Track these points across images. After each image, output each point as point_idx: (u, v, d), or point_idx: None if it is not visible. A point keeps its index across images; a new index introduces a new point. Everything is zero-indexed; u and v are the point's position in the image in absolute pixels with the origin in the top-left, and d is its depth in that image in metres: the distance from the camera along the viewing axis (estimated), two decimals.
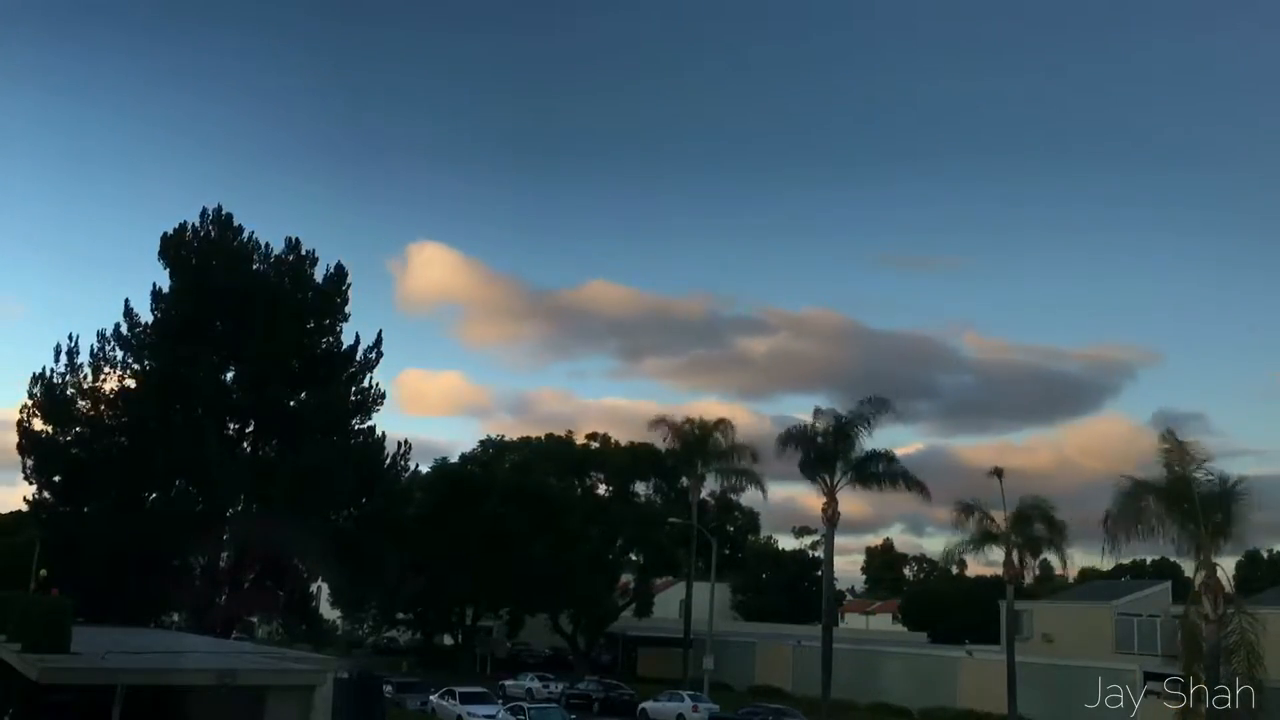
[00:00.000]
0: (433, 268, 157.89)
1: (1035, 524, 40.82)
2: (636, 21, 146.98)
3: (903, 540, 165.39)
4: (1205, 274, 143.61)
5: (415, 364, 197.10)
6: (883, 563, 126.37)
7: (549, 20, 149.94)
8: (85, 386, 43.74)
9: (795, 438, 48.14)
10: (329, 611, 69.32)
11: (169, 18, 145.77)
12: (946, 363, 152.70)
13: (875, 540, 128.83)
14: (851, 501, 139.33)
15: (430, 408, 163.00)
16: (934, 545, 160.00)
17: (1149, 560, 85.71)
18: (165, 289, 45.50)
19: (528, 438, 72.45)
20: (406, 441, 49.19)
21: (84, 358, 43.79)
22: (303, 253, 47.93)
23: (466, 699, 41.49)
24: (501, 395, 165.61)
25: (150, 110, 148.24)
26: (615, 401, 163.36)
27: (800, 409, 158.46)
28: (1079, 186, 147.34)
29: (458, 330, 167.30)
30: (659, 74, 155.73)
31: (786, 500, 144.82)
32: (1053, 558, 44.60)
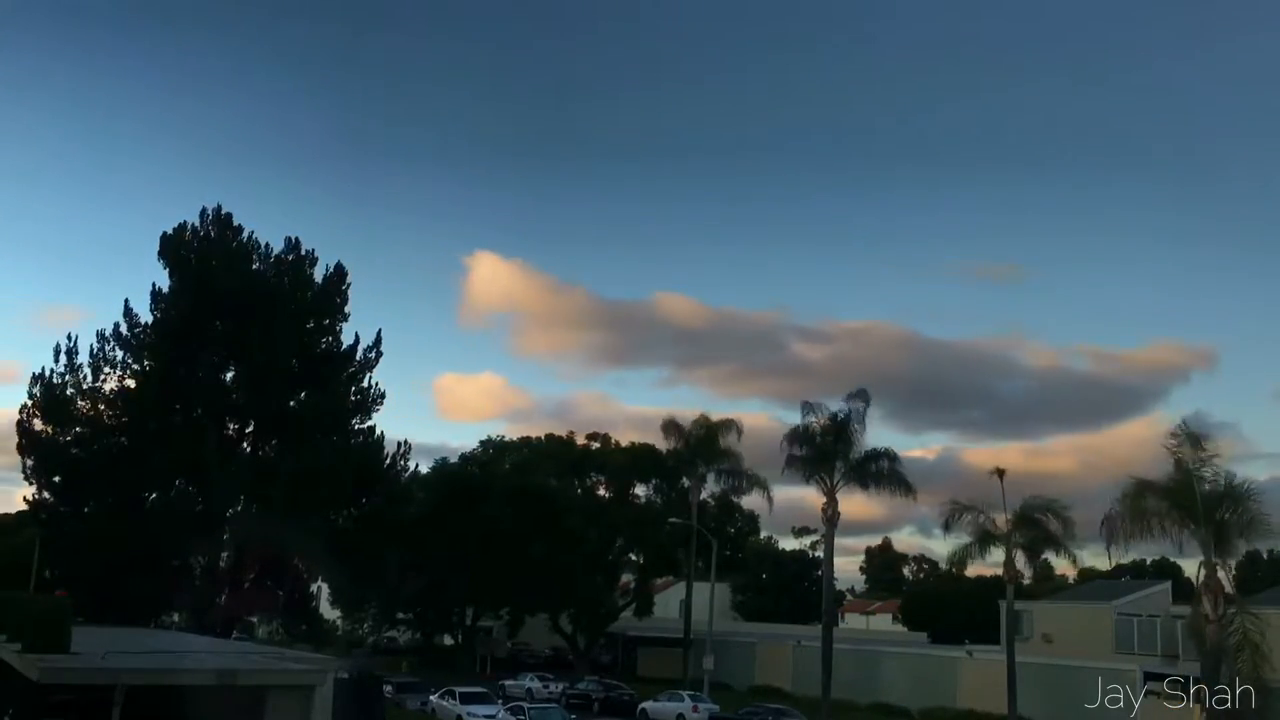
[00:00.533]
0: (496, 277, 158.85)
1: (1040, 524, 40.69)
2: (700, 25, 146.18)
3: (913, 543, 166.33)
4: (1264, 280, 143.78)
5: (482, 370, 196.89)
6: (882, 562, 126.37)
7: (607, 29, 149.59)
8: (85, 386, 43.75)
9: (796, 437, 48.05)
10: (329, 611, 69.36)
11: (184, 20, 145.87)
12: (1000, 369, 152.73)
13: (891, 541, 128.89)
14: (862, 503, 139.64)
15: (472, 413, 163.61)
16: (945, 548, 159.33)
17: (1149, 560, 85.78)
18: (165, 289, 45.52)
19: (528, 438, 72.50)
20: (406, 441, 49.37)
21: (84, 358, 43.89)
22: (302, 253, 47.93)
23: (466, 699, 41.43)
24: (551, 402, 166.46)
25: (162, 114, 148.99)
26: (660, 409, 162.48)
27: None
28: (1137, 192, 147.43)
29: (515, 339, 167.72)
30: (719, 82, 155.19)
31: (790, 500, 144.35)
32: (1058, 559, 44.52)
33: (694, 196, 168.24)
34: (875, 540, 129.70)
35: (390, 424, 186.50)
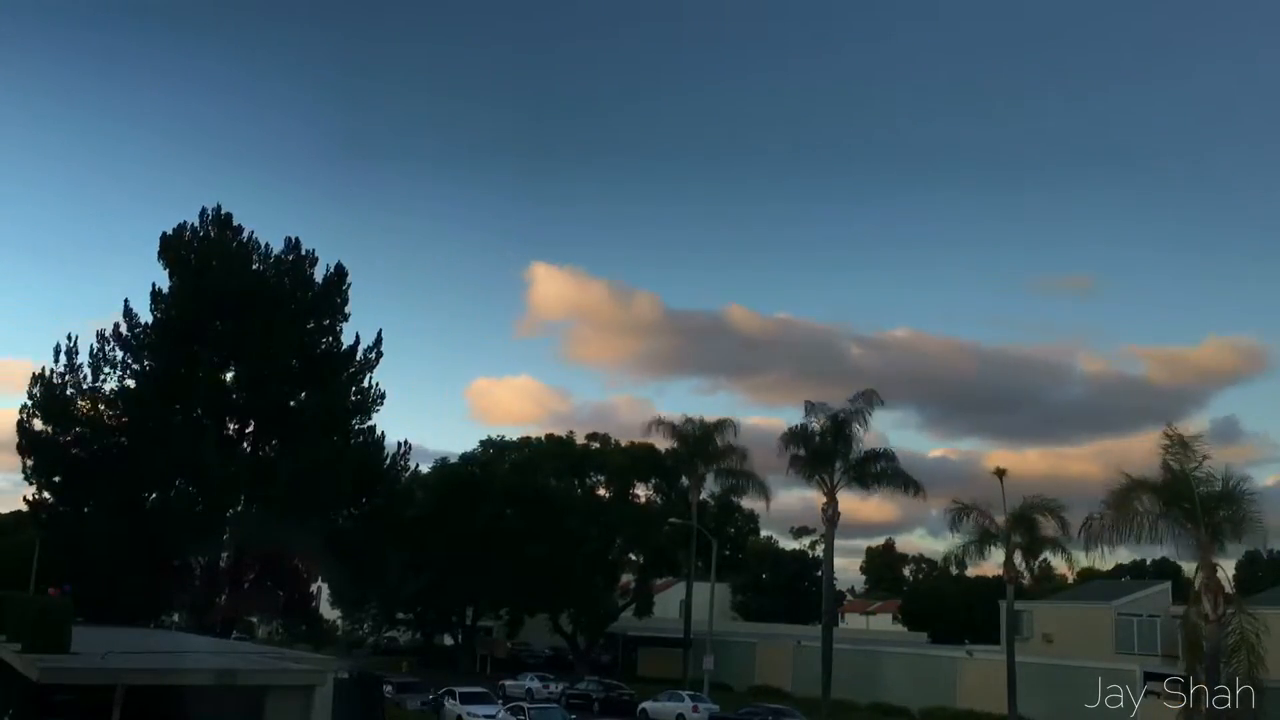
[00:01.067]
0: (550, 284, 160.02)
1: (1039, 525, 40.75)
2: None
3: (924, 544, 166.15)
4: None
5: (522, 375, 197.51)
6: (883, 563, 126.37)
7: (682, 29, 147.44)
8: (85, 386, 43.70)
9: (794, 437, 48.17)
10: (329, 611, 69.43)
11: (196, 22, 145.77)
12: (1051, 375, 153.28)
13: (894, 543, 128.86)
14: (875, 505, 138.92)
15: (514, 417, 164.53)
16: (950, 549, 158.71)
17: (1149, 560, 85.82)
18: (165, 289, 45.51)
19: (528, 438, 72.44)
20: (406, 441, 49.29)
21: (84, 358, 43.80)
22: (302, 253, 47.91)
23: (466, 699, 41.44)
24: (589, 408, 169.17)
25: (171, 117, 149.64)
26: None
27: (893, 425, 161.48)
28: (1192, 195, 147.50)
29: (564, 346, 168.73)
30: (775, 88, 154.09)
31: (796, 500, 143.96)
32: (1058, 559, 44.62)
33: (751, 202, 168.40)
34: (883, 542, 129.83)
35: (428, 429, 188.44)
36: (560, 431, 70.86)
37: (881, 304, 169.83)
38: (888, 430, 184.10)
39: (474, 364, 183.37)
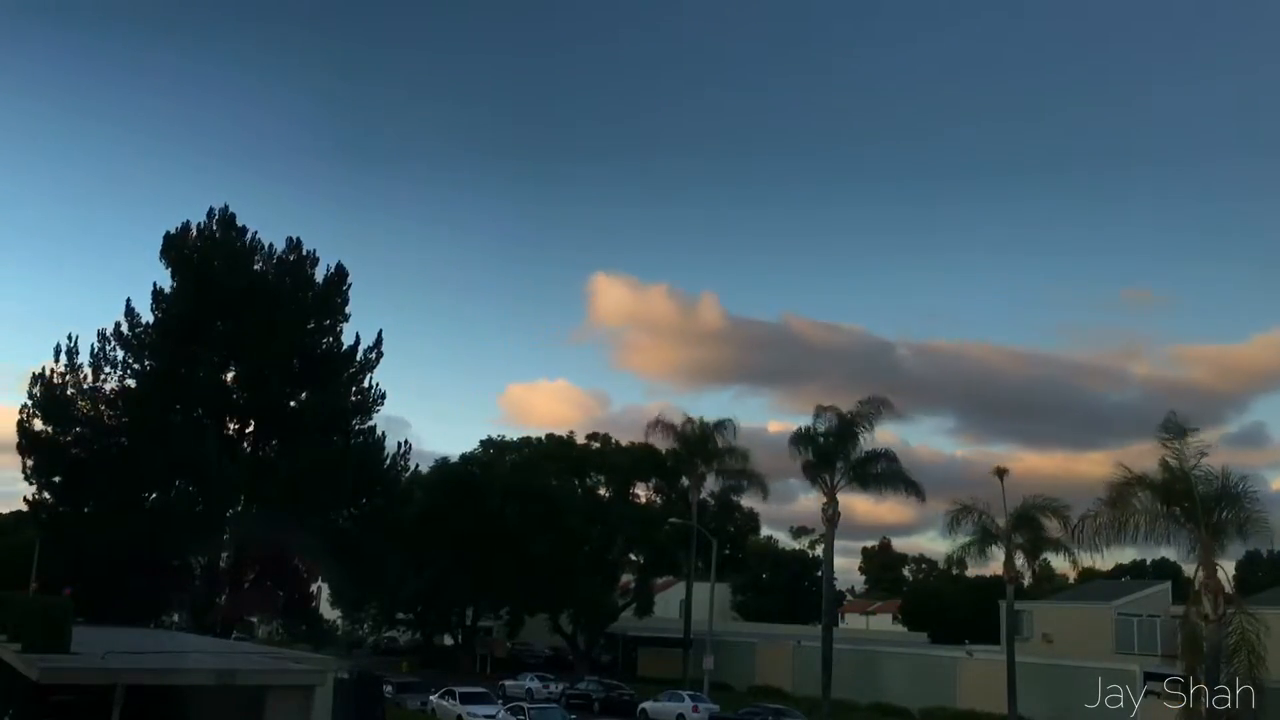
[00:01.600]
0: (617, 295, 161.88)
1: (1039, 524, 40.72)
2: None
3: (933, 546, 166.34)
4: None
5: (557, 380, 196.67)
6: (879, 563, 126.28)
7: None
8: (85, 386, 43.65)
9: (801, 438, 48.31)
10: (329, 611, 69.36)
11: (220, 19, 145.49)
12: (1099, 381, 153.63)
13: (907, 544, 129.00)
14: (888, 508, 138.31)
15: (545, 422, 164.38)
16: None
17: (1149, 560, 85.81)
18: (166, 289, 45.51)
19: (528, 438, 72.50)
20: (407, 441, 49.41)
21: (84, 358, 43.74)
22: (304, 253, 47.92)
23: (466, 699, 41.46)
24: (628, 416, 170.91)
25: (186, 120, 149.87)
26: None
27: (933, 430, 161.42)
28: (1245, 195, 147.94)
29: (617, 354, 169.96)
30: (821, 95, 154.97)
31: (814, 501, 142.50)
32: (1060, 559, 44.59)
33: (792, 205, 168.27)
34: (878, 542, 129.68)
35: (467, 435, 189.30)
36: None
37: (928, 311, 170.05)
38: (927, 435, 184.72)
39: (516, 369, 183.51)
